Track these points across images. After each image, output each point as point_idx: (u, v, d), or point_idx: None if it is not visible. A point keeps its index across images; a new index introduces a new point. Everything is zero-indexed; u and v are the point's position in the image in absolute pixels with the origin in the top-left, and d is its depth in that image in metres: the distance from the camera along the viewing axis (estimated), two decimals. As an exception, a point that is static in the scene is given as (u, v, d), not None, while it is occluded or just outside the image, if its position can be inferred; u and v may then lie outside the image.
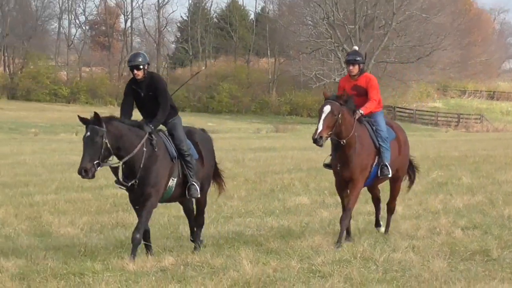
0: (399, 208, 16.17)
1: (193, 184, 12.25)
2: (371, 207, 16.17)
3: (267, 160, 33.36)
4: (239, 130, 76.89)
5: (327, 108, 12.48)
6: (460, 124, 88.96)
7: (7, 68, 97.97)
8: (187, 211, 13.11)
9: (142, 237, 11.81)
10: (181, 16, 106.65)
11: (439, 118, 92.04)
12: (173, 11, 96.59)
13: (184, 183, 12.27)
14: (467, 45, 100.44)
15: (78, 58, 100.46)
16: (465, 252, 11.76)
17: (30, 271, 10.84)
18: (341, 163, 12.92)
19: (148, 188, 11.79)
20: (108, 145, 11.40)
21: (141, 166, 11.69)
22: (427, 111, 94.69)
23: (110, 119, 11.63)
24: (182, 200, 12.74)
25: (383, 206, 14.28)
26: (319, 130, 12.33)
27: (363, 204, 17.00)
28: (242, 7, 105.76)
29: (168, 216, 15.72)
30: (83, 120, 11.45)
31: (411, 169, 14.75)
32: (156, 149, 11.87)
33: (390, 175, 13.26)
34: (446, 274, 10.22)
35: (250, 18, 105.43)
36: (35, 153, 39.57)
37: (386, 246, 12.16)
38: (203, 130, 13.29)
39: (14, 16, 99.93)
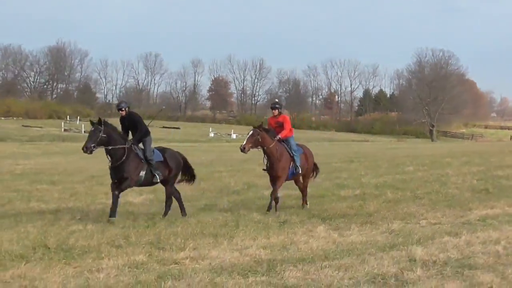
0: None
1: (155, 175, 12.87)
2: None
3: (394, 153, 35.45)
4: (380, 141, 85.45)
5: (250, 132, 13.38)
6: (473, 138, 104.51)
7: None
8: (167, 193, 13.54)
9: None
10: (359, 98, 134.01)
11: (464, 136, 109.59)
12: (354, 98, 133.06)
13: (151, 175, 12.90)
14: (474, 106, 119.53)
15: (317, 114, 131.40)
16: None
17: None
18: (270, 167, 13.76)
19: (125, 173, 12.44)
20: (102, 137, 12.20)
21: (123, 159, 12.39)
22: (459, 133, 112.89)
23: (107, 124, 12.42)
24: (154, 184, 13.33)
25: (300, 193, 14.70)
26: (243, 144, 13.10)
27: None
28: (384, 92, 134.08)
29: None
30: (91, 122, 12.30)
31: (316, 169, 15.42)
32: (134, 152, 12.58)
33: (300, 172, 14.27)
34: None
35: (387, 96, 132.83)
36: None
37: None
38: (178, 152, 13.68)
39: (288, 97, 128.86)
